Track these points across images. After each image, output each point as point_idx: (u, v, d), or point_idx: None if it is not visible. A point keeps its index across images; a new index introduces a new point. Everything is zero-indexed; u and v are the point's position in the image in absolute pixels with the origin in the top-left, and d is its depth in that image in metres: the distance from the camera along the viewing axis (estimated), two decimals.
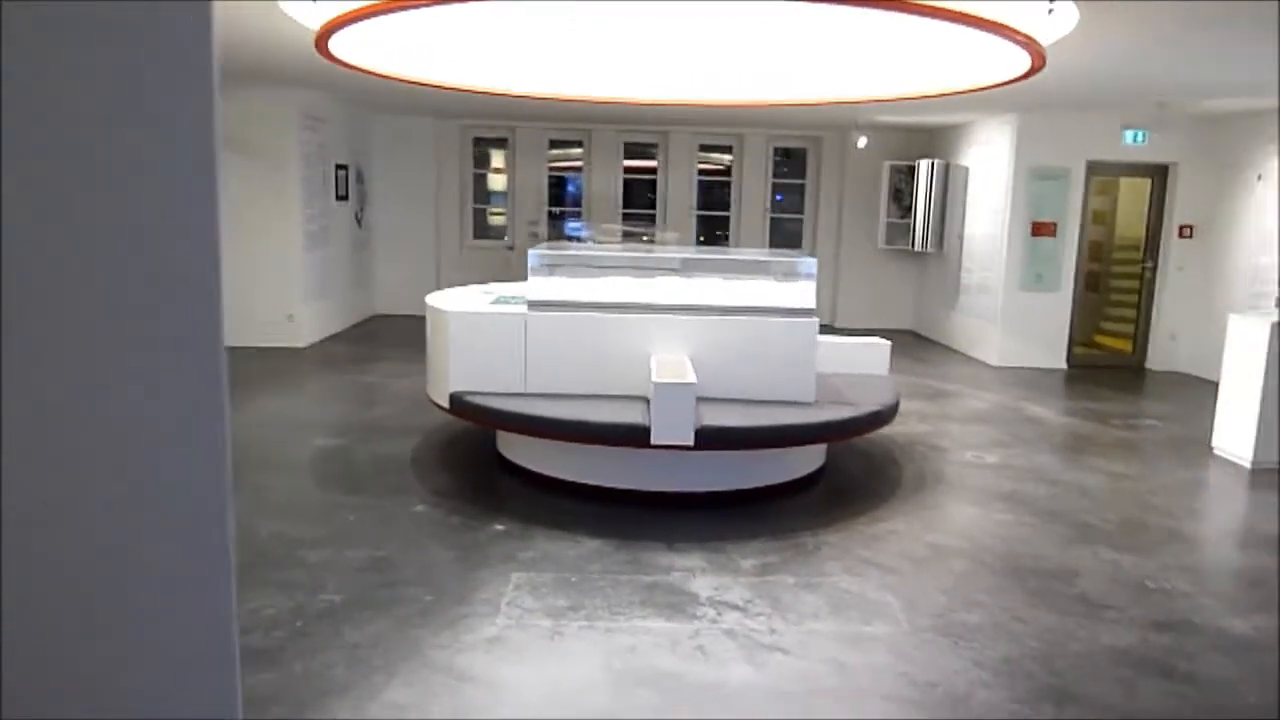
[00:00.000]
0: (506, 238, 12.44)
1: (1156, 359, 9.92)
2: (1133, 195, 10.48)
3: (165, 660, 0.77)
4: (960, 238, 10.72)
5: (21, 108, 0.63)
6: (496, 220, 12.67)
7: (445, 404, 5.35)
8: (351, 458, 5.92)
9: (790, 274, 5.65)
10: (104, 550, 0.74)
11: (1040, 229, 9.65)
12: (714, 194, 12.51)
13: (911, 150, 11.59)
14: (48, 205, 0.68)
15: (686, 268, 5.79)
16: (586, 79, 7.17)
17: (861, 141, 10.96)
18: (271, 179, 9.05)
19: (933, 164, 10.94)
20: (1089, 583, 4.32)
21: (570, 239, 12.18)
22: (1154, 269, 9.88)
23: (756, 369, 5.24)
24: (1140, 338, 10.05)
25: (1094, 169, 9.71)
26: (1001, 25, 4.57)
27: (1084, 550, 4.73)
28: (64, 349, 0.66)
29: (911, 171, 11.35)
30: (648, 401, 5.13)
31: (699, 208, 12.39)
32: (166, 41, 0.69)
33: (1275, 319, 6.16)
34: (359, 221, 11.22)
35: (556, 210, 12.48)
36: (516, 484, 5.48)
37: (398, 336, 10.46)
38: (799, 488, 5.54)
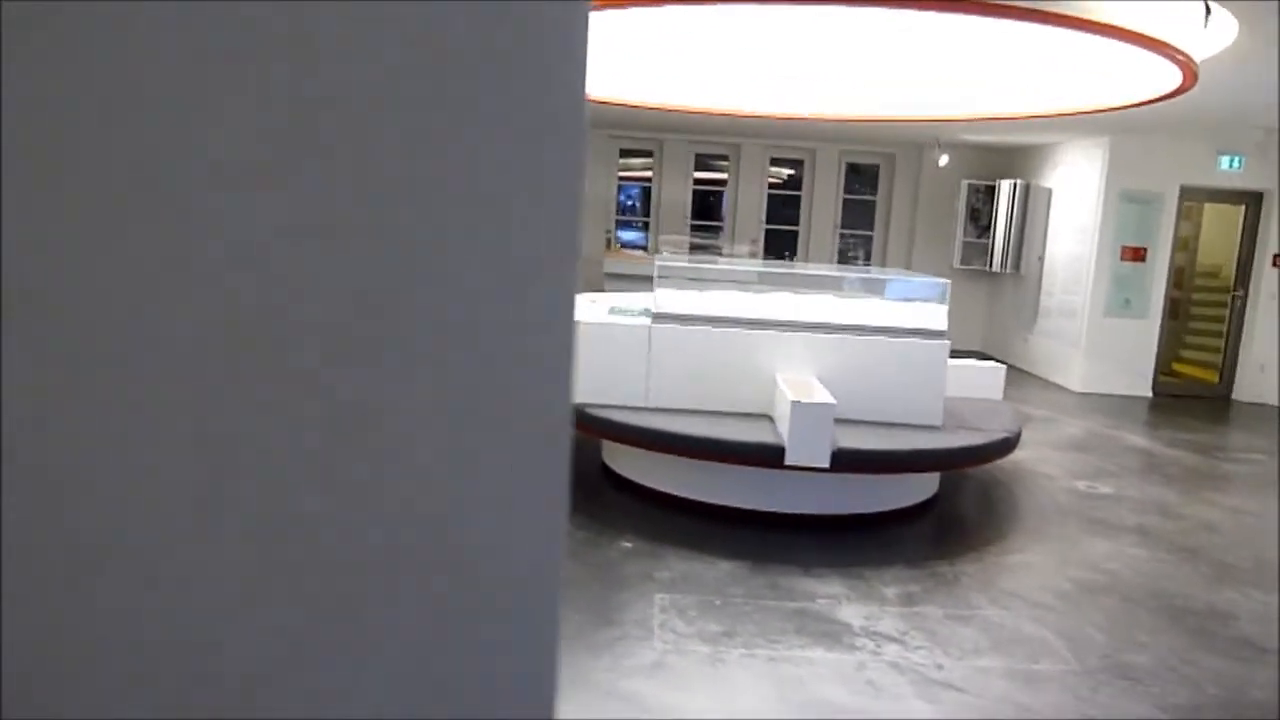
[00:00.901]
0: None
1: (1244, 390, 9.69)
2: (1216, 222, 10.27)
3: (489, 658, 0.76)
4: (1040, 260, 10.54)
5: (397, 107, 0.64)
6: None
7: None
8: None
9: (916, 295, 5.52)
10: (441, 544, 0.72)
11: (1130, 254, 9.46)
12: (780, 208, 12.39)
13: (990, 169, 11.43)
14: (420, 209, 0.66)
15: (808, 285, 5.68)
16: (662, 88, 7.09)
17: (943, 159, 10.81)
18: None
19: (1014, 184, 10.77)
20: (1250, 626, 4.15)
21: (634, 248, 12.11)
22: (1245, 298, 9.66)
23: (884, 390, 5.11)
24: (1228, 367, 9.82)
25: (1186, 194, 9.51)
26: (1159, 41, 4.44)
27: (1232, 591, 4.55)
28: (427, 345, 0.68)
29: (990, 191, 11.18)
30: (770, 420, 5.01)
31: (765, 222, 12.28)
32: (542, 38, 0.67)
33: None
34: None
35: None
36: (627, 499, 5.36)
37: None
38: (917, 513, 5.39)
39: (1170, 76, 4.91)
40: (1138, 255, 9.46)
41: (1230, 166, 9.26)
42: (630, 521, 5.00)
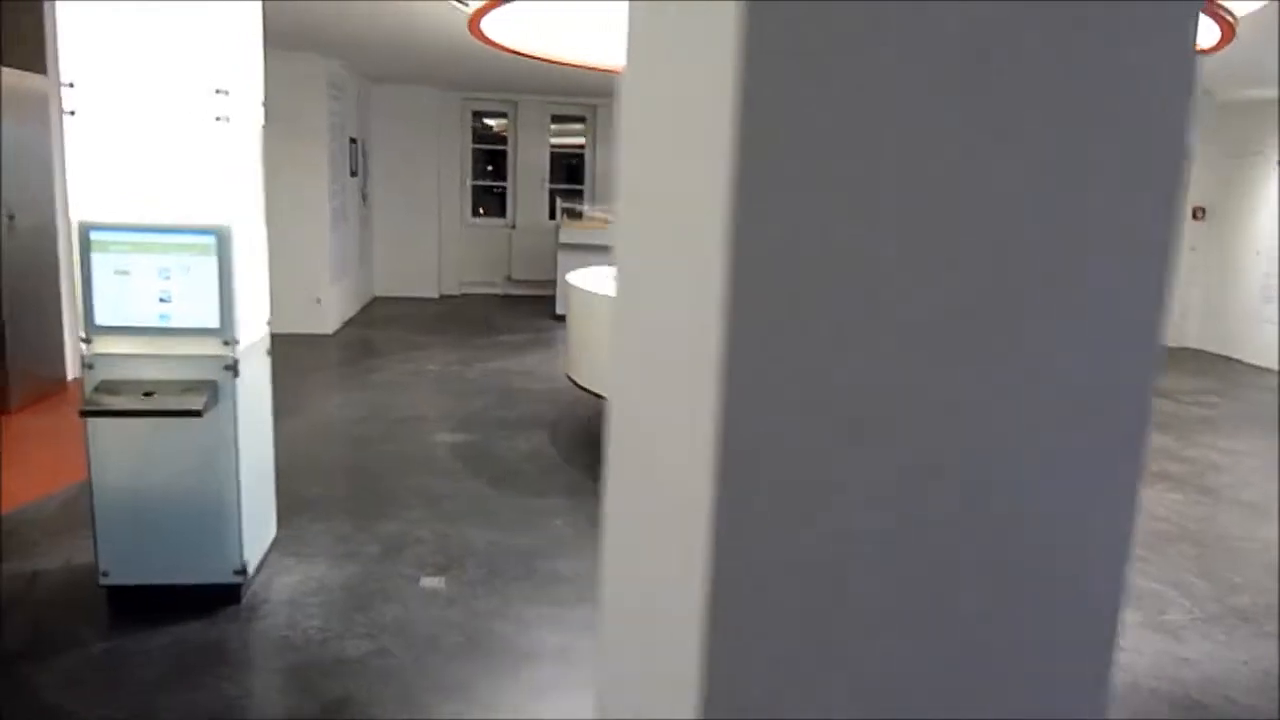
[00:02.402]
0: (507, 215, 11.97)
1: (1167, 335, 10.33)
2: None
3: (1047, 653, 0.81)
4: None
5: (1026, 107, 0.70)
6: None
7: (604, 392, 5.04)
8: (496, 454, 5.54)
9: None
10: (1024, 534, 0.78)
11: None
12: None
13: None
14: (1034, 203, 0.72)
15: None
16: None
17: None
18: (302, 152, 8.38)
19: None
20: None
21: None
22: None
23: None
24: None
25: None
26: None
27: (1272, 529, 4.84)
28: (1018, 338, 0.74)
29: None
30: None
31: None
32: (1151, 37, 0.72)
33: None
34: (364, 198, 10.58)
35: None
36: None
37: (416, 321, 9.94)
38: None
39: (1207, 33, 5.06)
40: None
41: None
42: None
